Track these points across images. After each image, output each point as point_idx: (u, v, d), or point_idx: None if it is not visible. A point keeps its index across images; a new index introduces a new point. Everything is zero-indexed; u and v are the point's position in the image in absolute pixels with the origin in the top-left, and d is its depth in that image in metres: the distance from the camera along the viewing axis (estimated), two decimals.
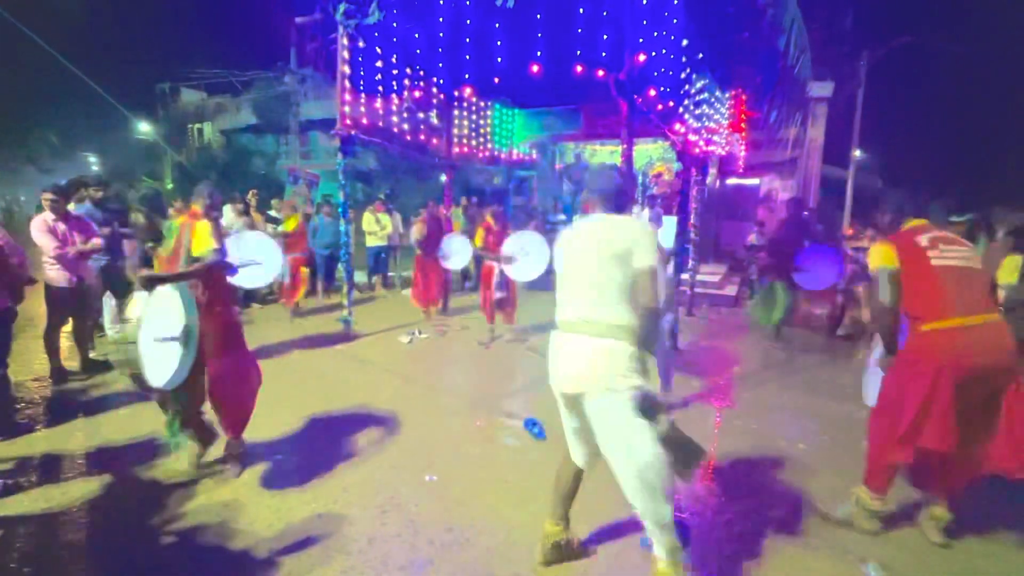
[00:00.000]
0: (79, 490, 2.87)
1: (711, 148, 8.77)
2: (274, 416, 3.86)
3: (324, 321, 6.91)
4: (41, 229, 4.32)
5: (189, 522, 2.61)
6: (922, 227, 2.47)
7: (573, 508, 2.28)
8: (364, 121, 6.32)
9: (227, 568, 2.32)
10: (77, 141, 25.66)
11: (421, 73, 7.68)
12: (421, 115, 8.01)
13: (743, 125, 10.35)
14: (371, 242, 9.13)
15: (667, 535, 1.94)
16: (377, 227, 9.05)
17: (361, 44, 6.14)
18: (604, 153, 13.12)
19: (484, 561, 2.35)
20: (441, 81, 8.18)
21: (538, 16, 6.02)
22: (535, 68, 6.81)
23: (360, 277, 9.17)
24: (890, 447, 2.40)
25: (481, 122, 9.78)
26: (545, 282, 5.88)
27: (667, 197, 10.91)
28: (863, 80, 13.61)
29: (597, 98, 8.58)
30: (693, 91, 7.06)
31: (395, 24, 6.39)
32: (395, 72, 7.09)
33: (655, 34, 5.86)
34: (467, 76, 7.91)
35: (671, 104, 6.77)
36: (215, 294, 2.90)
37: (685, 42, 6.01)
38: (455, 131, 8.97)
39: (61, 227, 4.41)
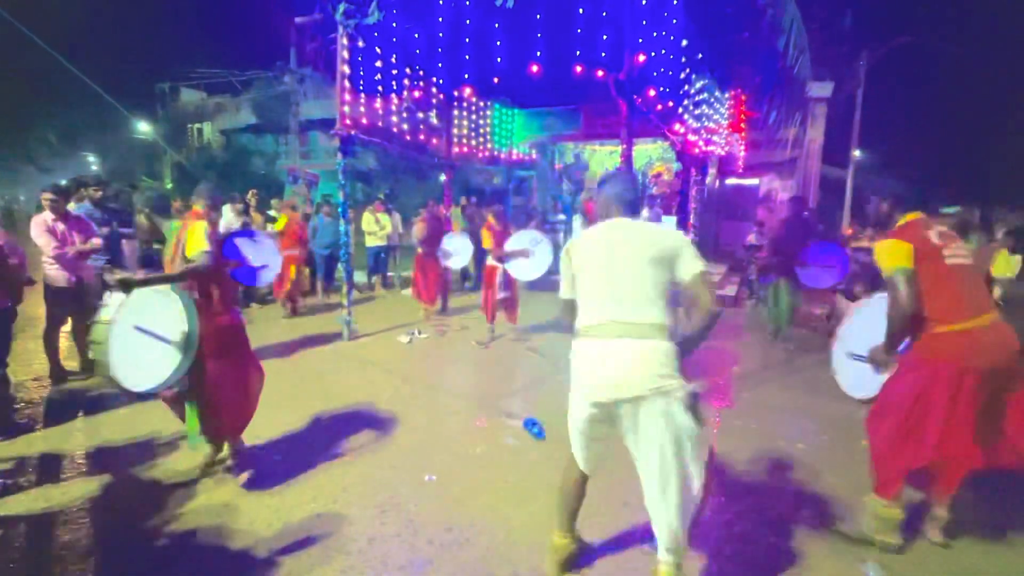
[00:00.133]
0: (79, 490, 2.87)
1: (710, 148, 8.79)
2: (274, 416, 3.86)
3: (324, 321, 6.91)
4: (40, 229, 4.31)
5: (189, 522, 2.61)
6: (923, 221, 2.36)
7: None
8: (364, 121, 6.32)
9: (227, 568, 2.32)
10: (76, 141, 25.64)
11: (421, 73, 7.69)
12: (421, 115, 8.02)
13: (742, 125, 10.37)
14: (371, 242, 9.13)
15: (683, 539, 1.96)
16: (377, 227, 9.05)
17: (361, 44, 6.14)
18: (604, 153, 13.14)
19: (484, 561, 2.36)
20: (441, 81, 8.19)
21: (538, 16, 6.02)
22: (535, 68, 6.81)
23: (360, 277, 9.17)
24: (907, 454, 2.30)
25: (481, 122, 9.78)
26: (545, 282, 5.90)
27: (666, 197, 10.92)
28: (862, 80, 13.62)
29: (597, 98, 8.61)
30: (692, 91, 7.07)
31: (395, 24, 6.40)
32: (395, 72, 7.09)
33: (655, 34, 5.87)
34: (467, 76, 7.92)
35: (671, 104, 6.78)
36: (213, 296, 2.87)
37: (685, 42, 6.03)
38: (455, 131, 8.97)
39: (60, 227, 4.40)
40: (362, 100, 6.29)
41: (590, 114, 10.89)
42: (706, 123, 8.02)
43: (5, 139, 22.89)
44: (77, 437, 3.52)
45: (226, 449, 3.08)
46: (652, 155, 12.58)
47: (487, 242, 5.83)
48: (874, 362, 2.45)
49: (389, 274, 9.84)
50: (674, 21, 5.74)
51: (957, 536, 2.52)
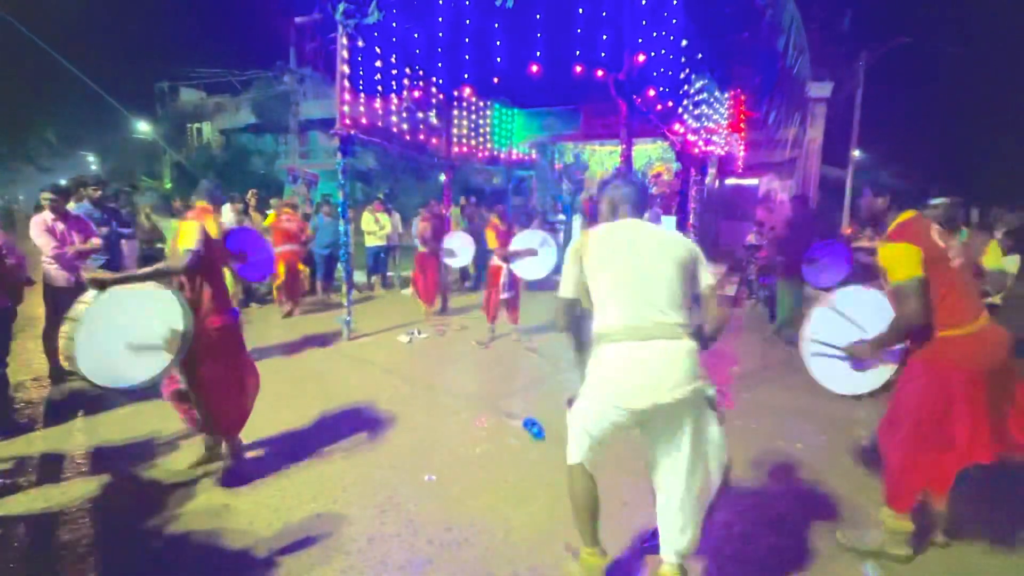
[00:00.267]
0: (78, 490, 2.87)
1: (710, 148, 8.80)
2: (273, 416, 3.86)
3: (323, 321, 6.91)
4: (40, 228, 4.31)
5: (188, 522, 2.61)
6: (923, 220, 2.31)
7: (569, 513, 2.21)
8: (363, 121, 6.32)
9: (227, 568, 2.32)
10: (76, 140, 25.63)
11: (420, 73, 7.69)
12: (420, 115, 8.02)
13: (742, 125, 10.37)
14: (370, 242, 9.13)
15: (695, 542, 1.97)
16: (376, 227, 9.05)
17: (360, 44, 6.14)
18: (603, 153, 13.15)
19: (483, 560, 2.36)
20: (440, 81, 8.19)
21: (537, 16, 6.02)
22: (534, 68, 6.81)
23: (359, 277, 9.17)
24: (925, 466, 2.26)
25: (480, 122, 9.78)
26: (546, 283, 5.89)
27: (666, 197, 10.93)
28: (862, 80, 13.63)
29: (596, 98, 8.60)
30: (692, 91, 7.08)
31: (395, 24, 6.39)
32: (394, 72, 7.09)
33: (654, 34, 5.87)
34: (466, 76, 7.92)
35: (670, 104, 6.79)
36: (204, 295, 2.85)
37: (684, 42, 6.03)
38: (454, 131, 8.97)
39: (60, 227, 4.40)
40: (362, 100, 6.28)
41: (590, 114, 10.89)
42: (706, 123, 8.02)
43: (4, 139, 22.85)
44: (77, 437, 3.52)
45: (224, 447, 3.08)
46: (652, 155, 12.59)
47: (492, 242, 5.84)
48: (853, 356, 2.35)
49: (389, 274, 9.84)
50: (674, 21, 5.75)
51: (957, 536, 2.52)
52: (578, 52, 6.41)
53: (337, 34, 5.81)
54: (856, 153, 13.99)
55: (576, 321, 2.24)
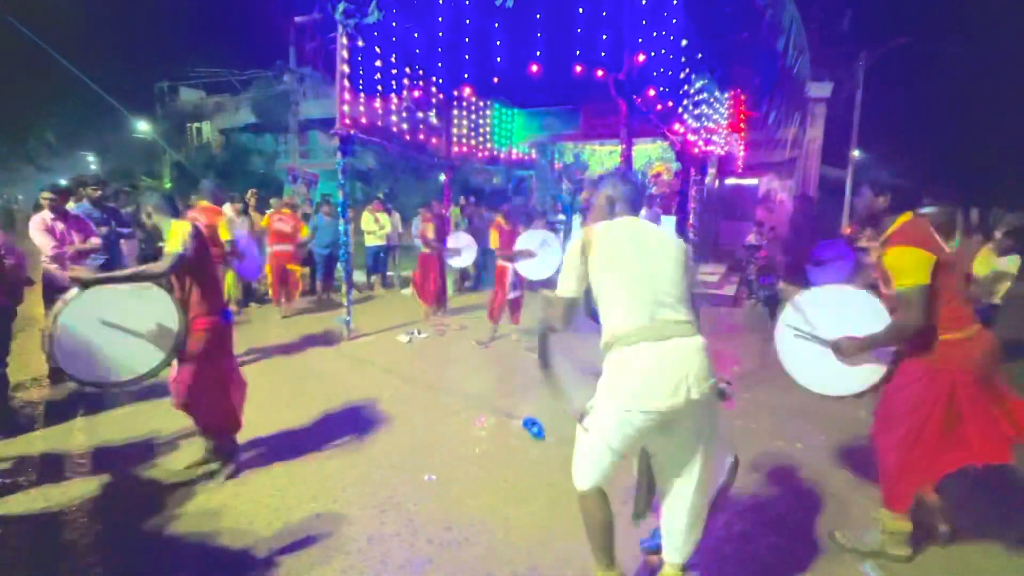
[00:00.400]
0: (78, 490, 2.86)
1: (710, 148, 8.79)
2: (273, 415, 3.87)
3: (323, 321, 6.91)
4: (39, 228, 4.31)
5: (188, 522, 2.61)
6: (923, 223, 2.29)
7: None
8: (363, 120, 6.32)
9: (226, 568, 2.32)
10: (75, 140, 25.62)
11: (420, 72, 7.68)
12: (420, 115, 8.02)
13: (742, 125, 10.37)
14: (370, 241, 9.13)
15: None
16: (376, 227, 9.05)
17: (360, 43, 6.14)
18: (603, 153, 13.13)
19: (483, 560, 2.36)
20: (440, 81, 8.18)
21: (537, 16, 6.02)
22: (534, 68, 6.81)
23: (359, 277, 9.17)
24: (922, 467, 2.26)
25: (480, 122, 9.78)
26: (550, 283, 5.90)
27: (666, 197, 10.92)
28: (861, 81, 13.63)
29: (596, 98, 8.60)
30: (692, 91, 7.07)
31: (394, 23, 6.39)
32: (394, 71, 7.09)
33: (654, 34, 5.87)
34: (466, 76, 7.92)
35: (670, 104, 6.78)
36: (193, 296, 2.84)
37: (684, 42, 6.02)
38: (454, 131, 8.97)
39: (59, 226, 4.40)
40: (361, 99, 6.28)
41: (589, 114, 10.88)
42: (706, 123, 8.02)
43: (4, 138, 22.84)
44: (76, 437, 3.52)
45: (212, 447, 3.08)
46: (652, 155, 12.58)
47: (494, 242, 5.85)
48: (838, 350, 2.29)
49: (388, 274, 9.84)
50: (674, 21, 5.74)
51: (957, 536, 2.52)
52: (578, 52, 6.41)
53: (337, 34, 5.81)
54: (856, 153, 13.99)
55: (542, 339, 2.20)
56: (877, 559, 2.37)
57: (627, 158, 6.55)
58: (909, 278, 2.12)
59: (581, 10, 5.99)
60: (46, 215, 4.35)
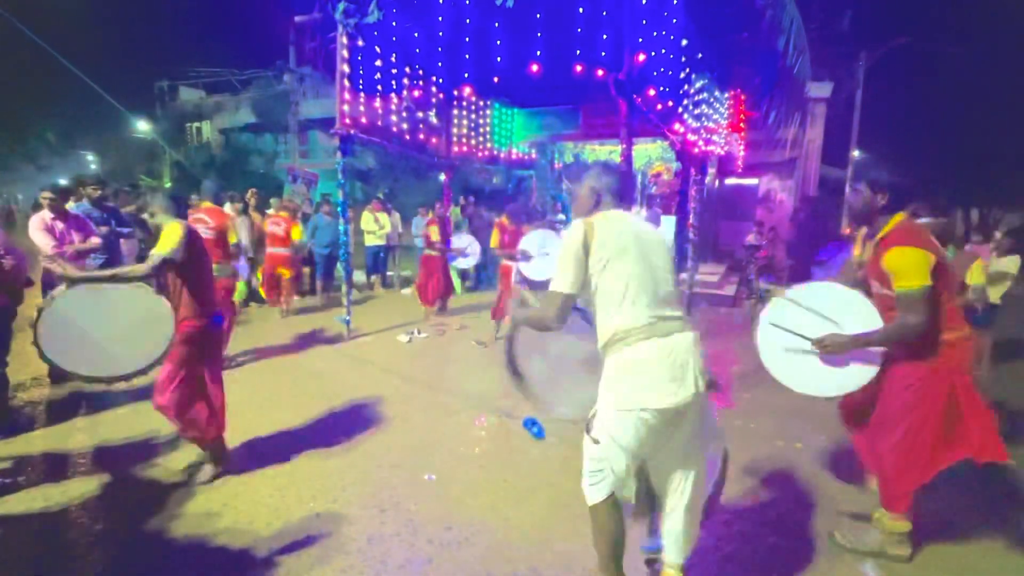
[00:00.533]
0: (78, 489, 2.86)
1: (710, 148, 8.79)
2: (273, 415, 3.87)
3: (323, 321, 6.91)
4: (39, 227, 4.30)
5: (188, 522, 2.61)
6: (919, 224, 2.32)
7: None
8: (363, 120, 6.32)
9: (226, 568, 2.32)
10: (75, 140, 25.63)
11: (420, 72, 7.69)
12: (420, 114, 8.02)
13: (742, 125, 10.37)
14: (370, 241, 9.13)
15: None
16: (376, 226, 9.05)
17: (360, 43, 6.14)
18: (603, 153, 13.12)
19: (483, 560, 2.36)
20: (440, 80, 8.19)
21: (538, 16, 6.02)
22: (534, 68, 6.81)
23: (359, 276, 9.17)
24: (922, 466, 2.26)
25: (480, 121, 9.79)
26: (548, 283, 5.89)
27: (666, 197, 10.93)
28: (861, 81, 13.63)
29: (596, 98, 8.61)
30: (692, 91, 7.07)
31: (395, 23, 6.39)
32: (394, 71, 7.09)
33: (654, 34, 5.88)
34: (466, 75, 7.92)
35: (670, 104, 6.78)
36: (181, 298, 2.82)
37: (684, 42, 6.03)
38: (454, 130, 8.97)
39: (59, 226, 4.39)
40: (362, 99, 6.29)
41: (589, 114, 10.89)
42: (706, 123, 8.02)
43: (4, 138, 22.83)
44: (76, 436, 3.52)
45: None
46: (652, 155, 12.57)
47: (495, 241, 5.86)
48: (824, 347, 2.24)
49: (388, 273, 9.84)
50: (674, 21, 5.75)
51: (956, 536, 2.53)
52: (578, 51, 6.41)
53: (337, 33, 5.81)
54: (856, 153, 14.00)
55: (510, 347, 2.19)
56: (877, 559, 2.37)
57: (627, 158, 6.56)
58: (912, 279, 2.10)
59: (581, 10, 5.99)
60: (46, 215, 4.34)
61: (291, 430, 3.67)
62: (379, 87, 6.73)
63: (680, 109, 6.90)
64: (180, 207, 3.02)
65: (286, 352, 5.56)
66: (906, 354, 2.26)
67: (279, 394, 4.35)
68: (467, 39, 6.79)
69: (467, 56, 7.26)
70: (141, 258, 5.77)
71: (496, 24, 6.38)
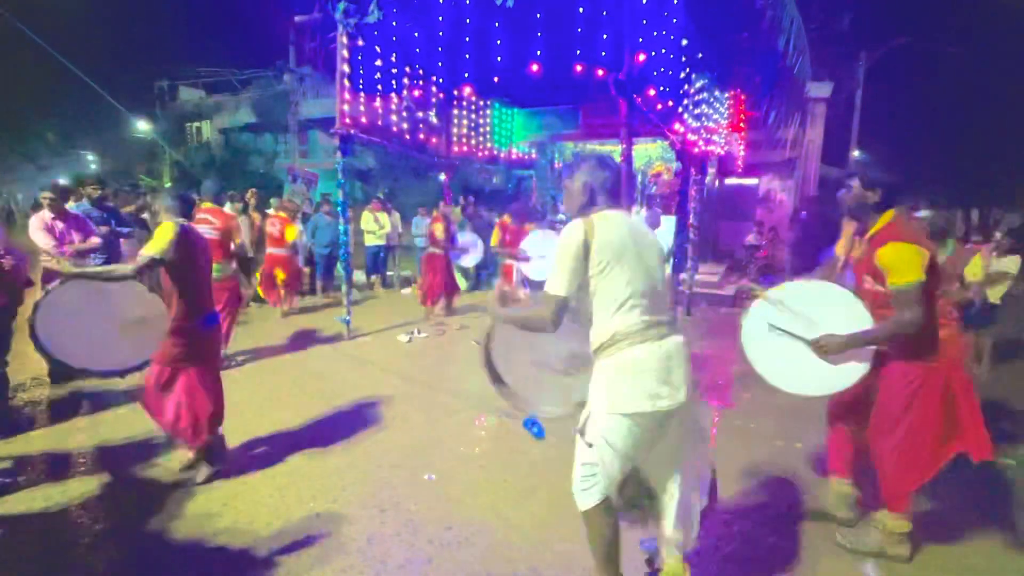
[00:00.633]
0: (78, 489, 2.86)
1: (710, 148, 8.79)
2: (272, 415, 3.87)
3: (323, 320, 6.91)
4: (39, 227, 4.30)
5: (188, 522, 2.61)
6: (910, 220, 2.32)
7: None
8: (363, 120, 6.32)
9: (226, 567, 2.32)
10: (75, 139, 25.57)
11: (420, 72, 7.69)
12: (420, 114, 8.02)
13: (742, 125, 10.37)
14: (370, 241, 9.13)
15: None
16: (376, 226, 9.04)
17: (360, 43, 6.13)
18: (603, 153, 13.14)
19: (483, 560, 2.36)
20: (440, 80, 8.19)
21: (538, 15, 6.03)
22: (534, 67, 6.81)
23: (359, 276, 9.16)
24: (922, 464, 2.26)
25: (480, 121, 9.79)
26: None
27: (666, 197, 10.92)
28: (861, 81, 13.64)
29: (596, 97, 8.60)
30: (692, 91, 7.07)
31: (395, 23, 6.39)
32: (394, 71, 7.09)
33: (655, 34, 5.88)
34: (466, 75, 7.92)
35: (670, 104, 6.78)
36: (172, 298, 2.81)
37: (685, 42, 6.02)
38: (454, 130, 8.98)
39: (59, 225, 4.39)
40: (362, 99, 6.29)
41: (589, 113, 10.89)
42: (706, 123, 8.02)
43: (3, 137, 22.80)
44: (76, 436, 3.52)
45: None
46: (652, 155, 12.57)
47: (495, 239, 5.86)
48: (820, 348, 2.21)
49: (388, 273, 9.84)
50: (674, 21, 5.74)
51: (957, 536, 2.53)
52: (578, 51, 6.41)
53: (337, 33, 5.81)
54: (856, 153, 14.00)
55: (487, 353, 2.17)
56: (877, 559, 2.37)
57: (627, 157, 6.55)
58: (906, 275, 2.10)
59: (581, 9, 5.99)
60: (46, 214, 4.34)
61: (291, 430, 3.66)
62: (379, 87, 6.73)
63: (680, 109, 6.89)
64: (188, 206, 3.01)
65: (286, 352, 5.56)
66: (903, 353, 2.26)
67: (279, 394, 4.35)
68: (467, 39, 6.79)
69: (467, 56, 7.26)
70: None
71: (496, 24, 6.38)
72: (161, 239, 2.69)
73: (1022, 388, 4.91)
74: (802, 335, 2.26)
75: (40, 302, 2.53)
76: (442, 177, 9.17)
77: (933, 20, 14.40)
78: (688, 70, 6.73)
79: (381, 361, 5.32)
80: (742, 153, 11.33)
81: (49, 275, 4.36)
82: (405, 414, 3.98)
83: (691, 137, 7.39)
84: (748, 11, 6.26)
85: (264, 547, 2.42)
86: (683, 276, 7.23)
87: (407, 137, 7.66)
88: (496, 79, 7.87)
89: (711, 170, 11.37)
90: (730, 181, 13.35)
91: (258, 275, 7.26)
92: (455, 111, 8.98)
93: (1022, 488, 3.04)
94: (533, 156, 12.57)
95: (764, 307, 2.41)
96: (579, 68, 6.79)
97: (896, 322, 2.13)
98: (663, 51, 6.03)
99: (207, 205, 4.79)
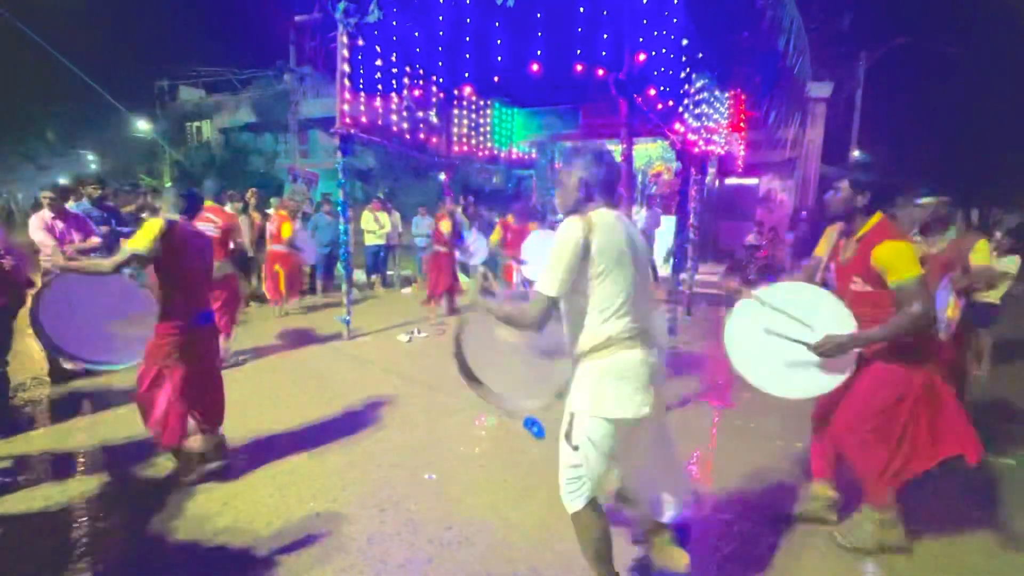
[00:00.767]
0: (78, 489, 2.86)
1: (710, 148, 8.79)
2: (272, 414, 3.87)
3: (323, 320, 6.91)
4: (39, 227, 4.30)
5: (188, 521, 2.61)
6: (897, 223, 2.32)
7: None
8: (363, 120, 6.32)
9: (226, 567, 2.32)
10: (75, 139, 25.56)
11: (421, 72, 7.69)
12: (420, 114, 8.02)
13: (742, 125, 10.37)
14: (370, 241, 9.13)
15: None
16: (376, 226, 9.05)
17: (361, 43, 6.13)
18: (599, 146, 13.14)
19: (483, 559, 2.36)
20: (441, 80, 8.18)
21: (538, 15, 6.03)
22: (535, 67, 6.81)
23: (359, 276, 9.17)
24: (904, 458, 2.28)
25: (480, 121, 9.78)
26: None
27: (666, 197, 10.93)
28: (861, 80, 13.64)
29: (596, 97, 8.60)
30: (693, 91, 7.06)
31: (395, 23, 6.39)
32: (395, 71, 7.09)
33: (655, 33, 5.87)
34: (467, 75, 7.92)
35: (671, 103, 6.77)
36: (160, 295, 2.80)
37: (685, 41, 6.02)
38: (454, 130, 8.97)
39: (59, 225, 4.39)
40: (362, 99, 6.28)
41: (590, 113, 10.90)
42: (706, 122, 8.02)
43: (4, 138, 22.80)
44: (76, 436, 3.52)
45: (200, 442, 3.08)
46: (652, 154, 12.58)
47: (495, 238, 5.86)
48: (820, 351, 2.17)
49: (388, 273, 9.84)
50: (674, 20, 5.74)
51: (957, 536, 2.53)
52: (579, 51, 6.41)
53: (337, 33, 5.81)
54: (856, 153, 14.00)
55: (460, 353, 2.16)
56: (879, 554, 2.37)
57: (627, 157, 6.55)
58: (907, 270, 2.11)
59: (582, 9, 5.99)
60: (46, 214, 4.34)
61: (291, 429, 3.66)
62: (379, 87, 6.72)
63: (680, 109, 6.89)
64: (195, 204, 3.00)
65: (286, 352, 5.56)
66: (884, 355, 2.26)
67: (279, 394, 4.35)
68: (467, 39, 6.79)
69: (467, 56, 7.26)
70: None
71: (496, 24, 6.38)
72: (144, 235, 2.65)
73: (1022, 388, 4.91)
74: (801, 338, 2.24)
75: (46, 285, 2.58)
76: (442, 177, 9.18)
77: (933, 20, 14.40)
78: (688, 70, 6.72)
79: (381, 361, 5.32)
80: (742, 153, 11.33)
81: (48, 274, 4.37)
82: (405, 414, 3.98)
83: (691, 137, 7.39)
84: (748, 11, 6.26)
85: (264, 546, 2.42)
86: (683, 276, 7.22)
87: (407, 137, 7.66)
88: (496, 79, 7.87)
89: (711, 170, 11.37)
90: (730, 181, 13.36)
91: (262, 274, 7.29)
92: (455, 111, 8.98)
93: (1022, 488, 3.04)
94: (533, 156, 12.57)
95: (746, 308, 2.42)
96: (579, 68, 6.78)
97: (906, 317, 2.11)
98: (663, 51, 6.03)
99: (208, 204, 4.80)
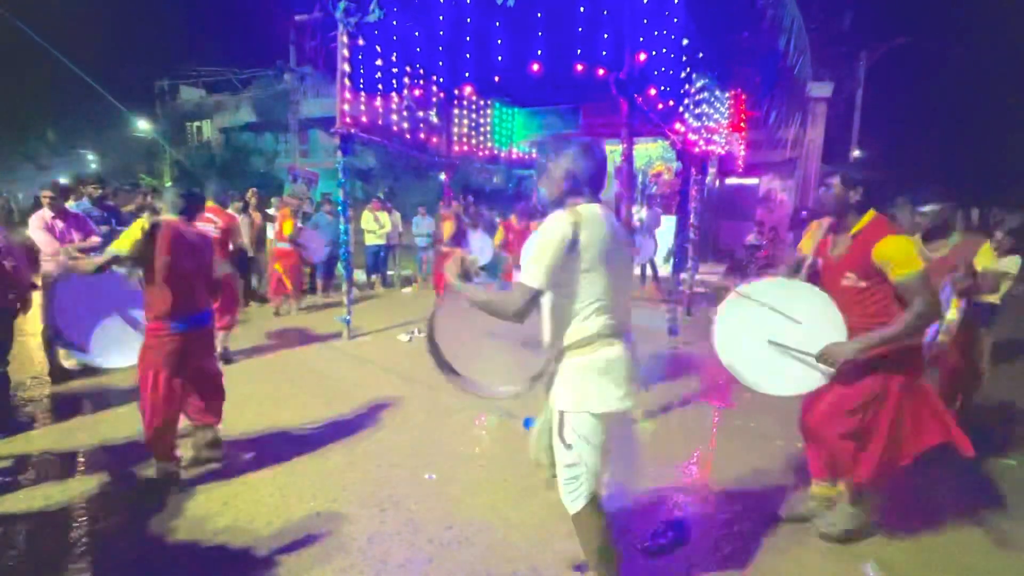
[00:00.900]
0: (78, 488, 2.86)
1: (711, 147, 8.79)
2: (272, 414, 3.87)
3: (323, 320, 6.91)
4: (39, 226, 4.30)
5: (188, 520, 2.61)
6: (889, 220, 2.29)
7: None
8: (364, 119, 6.32)
9: (226, 567, 2.32)
10: (75, 138, 25.57)
11: (421, 71, 7.68)
12: (421, 113, 8.01)
13: (742, 125, 10.37)
14: (370, 240, 9.13)
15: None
16: (376, 226, 9.04)
17: (361, 42, 6.13)
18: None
19: (483, 559, 2.36)
20: (441, 79, 8.18)
21: (538, 15, 6.02)
22: (535, 67, 6.80)
23: (359, 276, 9.17)
24: (881, 459, 2.28)
25: (481, 121, 9.78)
26: None
27: (666, 196, 10.93)
28: (862, 80, 13.63)
29: (597, 97, 8.59)
30: (693, 90, 7.07)
31: (395, 22, 6.39)
32: (395, 70, 7.09)
33: (655, 33, 5.87)
34: (467, 74, 7.91)
35: (671, 103, 6.77)
36: (147, 297, 2.78)
37: (685, 41, 6.02)
38: (455, 130, 8.97)
39: (59, 224, 4.39)
40: (362, 98, 6.28)
41: (590, 113, 10.89)
42: (706, 122, 8.02)
43: (3, 137, 22.82)
44: (77, 436, 3.52)
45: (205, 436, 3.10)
46: (652, 154, 12.58)
47: (498, 238, 5.86)
48: (826, 360, 2.17)
49: (388, 273, 9.84)
50: (675, 20, 5.74)
51: (957, 536, 2.53)
52: (579, 51, 6.40)
53: (337, 32, 5.81)
54: (856, 153, 14.00)
55: (434, 346, 2.13)
56: (879, 558, 2.37)
57: (628, 157, 6.55)
58: (910, 264, 2.11)
59: (582, 9, 5.99)
60: (46, 213, 4.34)
61: (291, 429, 3.67)
62: (379, 86, 6.72)
63: (681, 108, 6.89)
64: (195, 204, 2.99)
65: (286, 351, 5.56)
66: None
67: (279, 394, 4.35)
68: (468, 38, 6.78)
69: (468, 55, 7.25)
70: None
71: (497, 23, 6.38)
72: (127, 237, 2.63)
73: (1022, 388, 4.91)
74: (806, 351, 2.22)
75: (62, 275, 2.66)
76: (442, 177, 9.17)
77: (933, 19, 14.40)
78: (689, 70, 6.72)
79: (381, 361, 5.32)
80: (743, 153, 11.33)
81: (50, 276, 4.36)
82: (405, 414, 3.98)
83: (692, 137, 7.39)
84: (748, 11, 6.26)
85: (264, 546, 2.42)
86: (683, 276, 7.22)
87: (407, 136, 7.66)
88: (497, 79, 7.85)
89: (712, 170, 11.38)
90: (731, 181, 13.36)
91: (268, 272, 7.34)
92: (455, 110, 8.98)
93: (1022, 488, 3.03)
94: (533, 156, 12.56)
95: (734, 305, 2.42)
96: (580, 68, 6.78)
97: (914, 313, 2.09)
98: (664, 51, 6.03)
99: (209, 204, 4.82)
